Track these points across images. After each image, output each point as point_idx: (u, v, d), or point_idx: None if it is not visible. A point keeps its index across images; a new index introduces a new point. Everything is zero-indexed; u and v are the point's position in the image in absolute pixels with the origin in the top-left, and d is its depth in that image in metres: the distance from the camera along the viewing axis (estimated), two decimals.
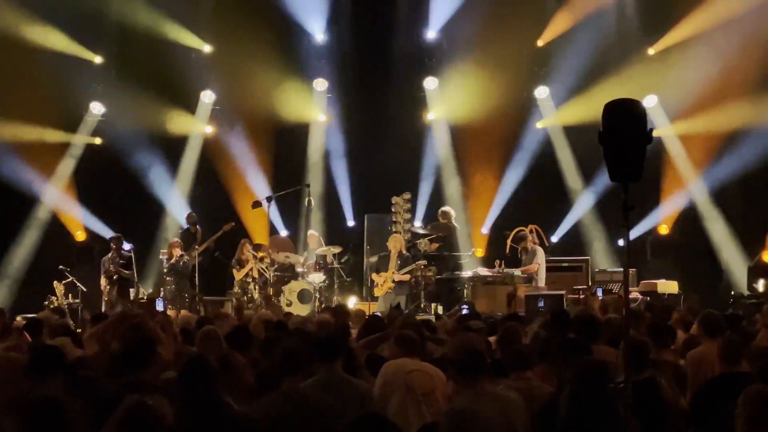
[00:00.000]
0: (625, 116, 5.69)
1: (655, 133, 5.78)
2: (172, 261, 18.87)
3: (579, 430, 5.31)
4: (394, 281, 17.95)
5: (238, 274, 18.65)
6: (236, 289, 18.61)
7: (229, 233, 19.21)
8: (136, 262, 18.69)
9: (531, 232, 18.15)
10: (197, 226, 19.79)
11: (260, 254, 18.84)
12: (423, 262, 18.09)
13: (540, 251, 17.66)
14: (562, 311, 10.66)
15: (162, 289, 19.00)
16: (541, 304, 15.18)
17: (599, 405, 5.30)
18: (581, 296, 16.80)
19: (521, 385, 6.93)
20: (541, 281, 17.43)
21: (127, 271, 18.58)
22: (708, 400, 6.95)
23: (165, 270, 19.20)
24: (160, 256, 19.73)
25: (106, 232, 20.16)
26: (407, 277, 17.97)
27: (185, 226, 20.15)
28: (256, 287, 18.51)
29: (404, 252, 18.34)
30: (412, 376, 7.45)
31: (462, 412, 5.94)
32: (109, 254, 18.76)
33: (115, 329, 8.97)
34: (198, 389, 5.51)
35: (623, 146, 5.66)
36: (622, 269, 18.36)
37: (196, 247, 19.06)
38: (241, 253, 18.73)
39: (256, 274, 18.62)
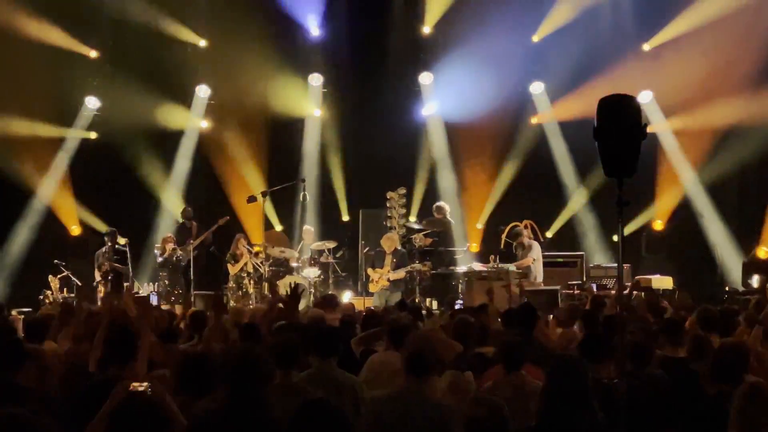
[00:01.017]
0: (620, 111, 5.68)
1: (650, 129, 5.78)
2: (165, 255, 18.88)
3: (553, 424, 5.27)
4: (389, 280, 17.93)
5: (233, 269, 18.64)
6: (231, 283, 18.61)
7: (224, 227, 19.26)
8: (131, 257, 18.67)
9: (526, 227, 18.15)
10: (192, 221, 19.80)
11: (255, 249, 18.84)
12: (419, 266, 18.05)
13: (536, 246, 17.67)
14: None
15: (156, 283, 19.02)
16: None
17: (574, 400, 5.25)
18: (575, 292, 16.84)
19: (514, 380, 6.88)
20: (539, 276, 17.44)
21: (121, 266, 18.55)
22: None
23: (158, 265, 19.21)
24: (155, 251, 19.69)
25: (101, 227, 20.13)
26: (402, 274, 17.95)
27: (180, 220, 20.15)
28: (251, 282, 18.51)
29: (399, 248, 18.29)
30: (395, 379, 7.28)
31: (380, 401, 5.85)
32: (104, 249, 18.73)
33: (87, 326, 8.94)
34: (245, 384, 5.34)
35: (617, 141, 5.64)
36: (616, 265, 18.35)
37: (191, 241, 19.06)
38: (236, 248, 18.73)
39: (251, 269, 18.62)
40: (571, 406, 5.21)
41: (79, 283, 18.55)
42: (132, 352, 6.65)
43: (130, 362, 6.59)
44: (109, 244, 18.69)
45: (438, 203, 19.59)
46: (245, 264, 18.58)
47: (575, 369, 5.34)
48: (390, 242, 18.19)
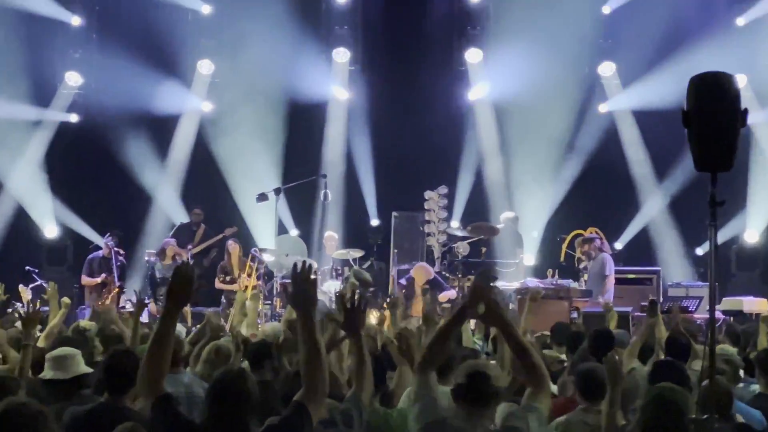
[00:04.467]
0: (716, 93, 5.51)
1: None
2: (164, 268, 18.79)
3: None
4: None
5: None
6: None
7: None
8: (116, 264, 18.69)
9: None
10: (202, 226, 19.82)
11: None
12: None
13: (609, 259, 17.50)
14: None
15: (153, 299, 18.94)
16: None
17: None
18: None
19: (591, 418, 6.91)
20: (611, 295, 17.24)
21: (107, 276, 18.52)
22: None
23: (157, 279, 19.07)
24: (150, 258, 19.60)
25: (82, 228, 20.36)
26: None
27: (185, 221, 20.20)
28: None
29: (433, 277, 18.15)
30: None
31: None
32: (101, 254, 18.63)
33: None
34: (227, 406, 5.39)
35: (712, 128, 5.46)
36: (700, 283, 18.30)
37: (189, 246, 19.05)
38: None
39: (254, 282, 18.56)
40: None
41: None
42: (132, 380, 6.71)
43: (129, 390, 6.94)
44: (114, 249, 18.57)
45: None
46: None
47: (676, 403, 5.24)
48: (424, 273, 18.02)
